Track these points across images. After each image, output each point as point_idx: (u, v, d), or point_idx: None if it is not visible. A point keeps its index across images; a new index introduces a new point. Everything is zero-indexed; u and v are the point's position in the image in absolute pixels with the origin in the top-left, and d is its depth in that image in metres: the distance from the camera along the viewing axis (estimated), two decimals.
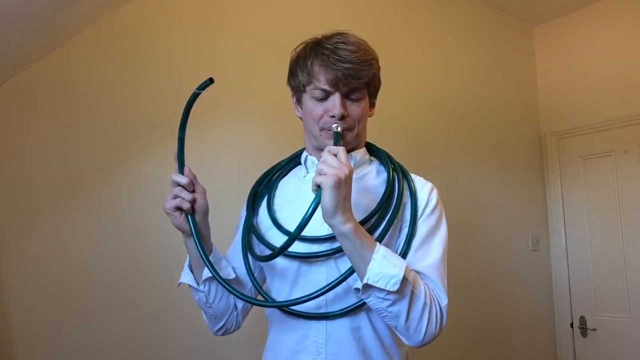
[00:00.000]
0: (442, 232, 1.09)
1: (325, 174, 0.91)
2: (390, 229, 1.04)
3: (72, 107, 1.76)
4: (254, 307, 1.12)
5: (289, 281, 1.09)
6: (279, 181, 1.22)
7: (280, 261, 1.08)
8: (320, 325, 1.05)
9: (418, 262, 1.03)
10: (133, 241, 1.80)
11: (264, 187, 1.22)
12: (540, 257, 3.21)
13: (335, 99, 1.05)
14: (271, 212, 1.15)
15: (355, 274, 0.97)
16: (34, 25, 1.55)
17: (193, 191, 1.06)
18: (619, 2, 3.08)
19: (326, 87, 1.05)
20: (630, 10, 3.03)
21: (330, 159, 0.93)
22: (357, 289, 0.96)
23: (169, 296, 1.78)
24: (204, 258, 1.04)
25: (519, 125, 3.26)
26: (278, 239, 1.07)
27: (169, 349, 1.82)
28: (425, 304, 0.96)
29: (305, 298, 0.99)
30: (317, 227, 1.03)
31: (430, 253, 1.05)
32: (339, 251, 1.02)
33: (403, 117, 2.63)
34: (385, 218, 1.05)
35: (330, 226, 0.94)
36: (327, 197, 0.90)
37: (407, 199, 1.10)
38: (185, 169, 1.06)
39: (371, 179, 1.14)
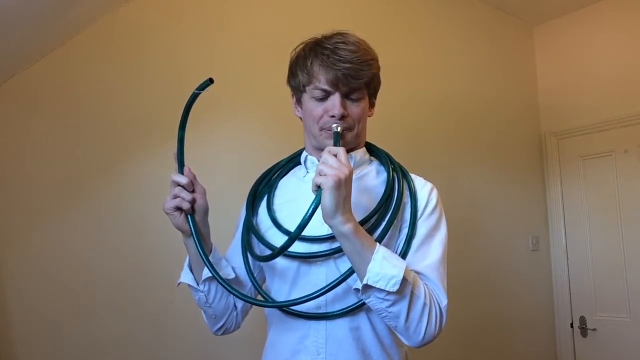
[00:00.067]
0: (442, 233, 1.09)
1: (325, 175, 0.91)
2: (390, 229, 1.04)
3: (72, 107, 1.76)
4: (254, 307, 1.12)
5: (288, 281, 1.09)
6: (279, 181, 1.22)
7: (280, 261, 1.08)
8: (320, 325, 1.05)
9: (418, 263, 1.03)
10: (133, 241, 1.80)
11: (263, 187, 1.22)
12: (540, 257, 3.21)
13: (335, 99, 1.05)
14: (271, 212, 1.15)
15: (355, 274, 0.97)
16: (34, 25, 1.55)
17: (193, 191, 1.06)
18: (619, 2, 3.08)
19: (326, 87, 1.05)
20: (630, 10, 3.03)
21: (330, 159, 0.93)
22: (356, 289, 0.96)
23: (169, 296, 1.78)
24: (204, 258, 1.04)
25: (519, 125, 3.26)
26: (278, 239, 1.07)
27: (169, 349, 1.82)
28: (425, 304, 0.96)
29: (305, 298, 0.99)
30: (317, 227, 1.03)
31: (430, 253, 1.05)
32: (338, 251, 1.02)
33: (403, 117, 2.63)
34: (385, 218, 1.05)
35: (330, 226, 0.94)
36: (327, 197, 0.90)
37: (407, 199, 1.10)
38: (185, 169, 1.06)
39: (371, 179, 1.14)
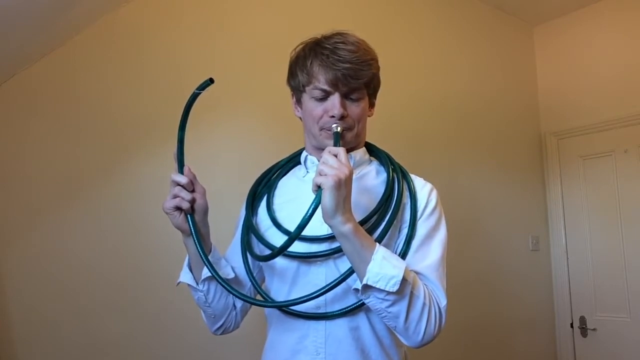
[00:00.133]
0: (442, 233, 1.09)
1: (325, 175, 0.91)
2: (390, 230, 1.04)
3: (72, 107, 1.76)
4: (254, 306, 1.12)
5: (288, 281, 1.09)
6: (279, 181, 1.22)
7: (279, 261, 1.08)
8: (320, 325, 1.05)
9: (417, 263, 1.03)
10: (133, 241, 1.80)
11: (263, 187, 1.22)
12: (540, 257, 3.21)
13: (335, 99, 1.05)
14: (270, 211, 1.15)
15: (354, 274, 0.98)
16: (34, 25, 1.55)
17: (193, 191, 1.06)
18: (619, 2, 3.08)
19: (326, 87, 1.05)
20: (630, 10, 3.03)
21: (330, 159, 0.93)
22: (356, 290, 0.96)
23: (169, 296, 1.78)
24: (203, 258, 1.04)
25: (519, 125, 3.26)
26: (277, 239, 1.07)
27: (169, 349, 1.82)
28: (424, 304, 0.97)
29: (305, 298, 0.99)
30: (317, 226, 1.03)
31: (429, 254, 1.05)
32: (338, 251, 1.02)
33: (403, 117, 2.63)
34: (385, 218, 1.05)
35: (330, 226, 0.94)
36: (327, 197, 0.90)
37: (406, 199, 1.10)
38: (185, 169, 1.06)
39: (371, 179, 1.14)
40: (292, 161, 1.23)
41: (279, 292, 1.11)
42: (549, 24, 3.41)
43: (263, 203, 1.18)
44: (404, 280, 0.92)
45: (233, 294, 1.03)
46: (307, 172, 1.17)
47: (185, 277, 1.13)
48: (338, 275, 1.00)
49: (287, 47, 1.16)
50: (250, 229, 1.15)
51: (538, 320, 3.12)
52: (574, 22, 3.29)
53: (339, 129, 1.05)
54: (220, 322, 1.18)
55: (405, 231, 1.06)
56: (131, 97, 1.86)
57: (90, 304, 1.71)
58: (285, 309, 1.07)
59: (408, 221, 1.07)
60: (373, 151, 1.20)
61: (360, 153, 1.15)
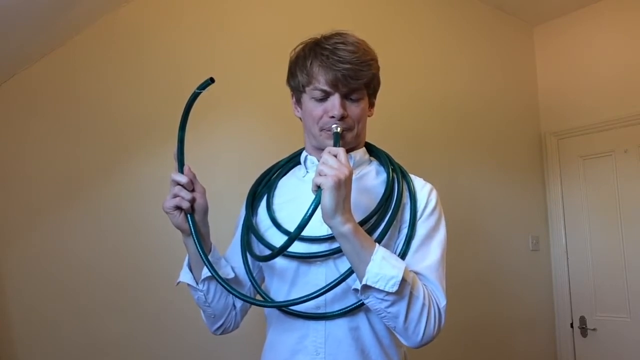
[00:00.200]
0: (441, 234, 1.09)
1: (325, 175, 0.91)
2: (390, 230, 1.04)
3: (72, 107, 1.76)
4: (253, 306, 1.11)
5: (287, 281, 1.09)
6: (278, 181, 1.22)
7: (279, 261, 1.08)
8: (319, 325, 1.05)
9: (417, 263, 1.03)
10: (133, 241, 1.80)
11: (263, 187, 1.22)
12: (540, 257, 3.21)
13: (335, 100, 1.05)
14: (270, 211, 1.15)
15: (354, 274, 0.98)
16: (34, 25, 1.55)
17: (193, 190, 1.06)
18: (619, 2, 3.08)
19: (326, 87, 1.05)
20: (630, 10, 3.03)
21: (330, 159, 0.93)
22: (355, 290, 0.96)
23: (169, 296, 1.78)
24: (203, 257, 1.04)
25: (519, 125, 3.26)
26: (277, 239, 1.07)
27: (169, 349, 1.82)
28: (423, 305, 0.97)
29: (305, 298, 0.99)
30: (317, 227, 1.03)
31: (429, 254, 1.05)
32: (338, 251, 1.02)
33: (403, 117, 2.63)
34: (385, 219, 1.05)
35: (330, 227, 0.94)
36: (327, 198, 0.90)
37: (406, 199, 1.10)
38: (185, 168, 1.06)
39: (370, 179, 1.14)
40: (292, 161, 1.23)
41: (279, 292, 1.11)
42: (549, 24, 3.41)
43: (263, 203, 1.18)
44: (403, 281, 0.92)
45: (233, 294, 1.03)
46: (307, 172, 1.17)
47: (185, 276, 1.13)
48: (338, 276, 1.00)
49: (287, 47, 1.16)
50: (250, 229, 1.15)
51: (538, 320, 3.12)
52: (574, 22, 3.29)
53: (338, 129, 1.05)
54: (220, 322, 1.18)
55: (405, 231, 1.06)
56: (131, 97, 1.86)
57: (90, 304, 1.71)
58: (285, 309, 1.07)
59: (408, 221, 1.07)
60: (373, 151, 1.20)
61: (360, 153, 1.15)
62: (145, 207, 1.81)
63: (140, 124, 1.87)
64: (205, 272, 1.09)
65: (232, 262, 1.18)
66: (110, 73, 1.84)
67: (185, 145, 1.06)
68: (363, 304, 1.00)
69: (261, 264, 1.18)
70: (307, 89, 1.09)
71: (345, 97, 1.07)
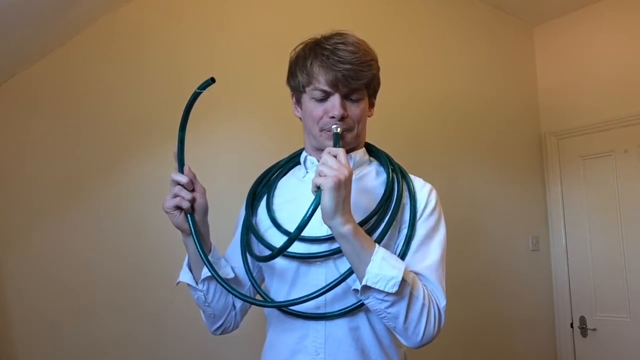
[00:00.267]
0: (441, 234, 1.09)
1: (325, 176, 0.91)
2: (390, 230, 1.04)
3: (72, 107, 1.76)
4: (253, 306, 1.11)
5: (287, 281, 1.09)
6: (278, 181, 1.22)
7: (279, 261, 1.08)
8: (319, 325, 1.05)
9: (417, 264, 1.03)
10: (133, 241, 1.80)
11: (263, 187, 1.22)
12: (540, 257, 3.21)
13: (335, 100, 1.05)
14: (270, 212, 1.15)
15: (354, 275, 0.98)
16: (34, 25, 1.55)
17: (193, 190, 1.06)
18: (619, 2, 3.08)
19: (326, 88, 1.05)
20: (630, 10, 3.03)
21: (330, 160, 0.93)
22: (355, 290, 0.96)
23: (169, 296, 1.78)
24: (203, 257, 1.04)
25: (519, 125, 3.26)
26: (277, 239, 1.07)
27: (169, 349, 1.82)
28: (423, 305, 0.97)
29: (305, 298, 0.99)
30: (317, 227, 1.03)
31: (429, 254, 1.05)
32: (338, 252, 1.02)
33: (403, 117, 2.63)
34: (385, 219, 1.05)
35: (330, 227, 0.94)
36: (327, 198, 0.90)
37: (406, 200, 1.10)
38: (185, 168, 1.06)
39: (370, 180, 1.14)
40: (292, 161, 1.23)
41: (279, 292, 1.11)
42: (549, 24, 3.41)
43: (263, 203, 1.18)
44: (403, 281, 0.93)
45: (233, 294, 1.03)
46: (307, 172, 1.17)
47: (185, 276, 1.13)
48: (338, 276, 1.00)
49: (287, 47, 1.16)
50: (250, 229, 1.15)
51: (538, 320, 3.12)
52: (574, 22, 3.29)
53: (339, 129, 1.05)
54: (219, 322, 1.18)
55: (404, 232, 1.06)
56: (131, 97, 1.86)
57: (90, 304, 1.71)
58: (285, 309, 1.07)
59: (407, 221, 1.07)
60: (373, 152, 1.20)
61: (360, 154, 1.15)
62: (145, 207, 1.81)
63: (140, 124, 1.87)
64: (205, 272, 1.09)
65: (231, 262, 1.18)
66: (110, 73, 1.84)
67: (186, 145, 1.06)
68: (363, 304, 1.00)
69: (261, 264, 1.18)
70: (307, 89, 1.08)
71: (345, 97, 1.07)
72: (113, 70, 1.84)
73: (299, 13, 2.30)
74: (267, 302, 1.11)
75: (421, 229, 1.07)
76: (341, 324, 1.05)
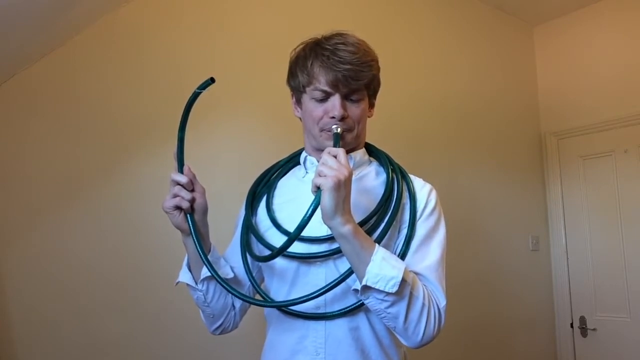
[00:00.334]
0: (441, 234, 1.09)
1: (325, 176, 0.91)
2: (389, 230, 1.04)
3: (72, 107, 1.76)
4: (253, 306, 1.11)
5: (287, 281, 1.09)
6: (278, 181, 1.22)
7: (279, 261, 1.08)
8: (319, 325, 1.05)
9: (417, 264, 1.03)
10: (133, 241, 1.80)
11: (262, 187, 1.22)
12: (540, 257, 3.21)
13: (335, 100, 1.05)
14: (270, 212, 1.15)
15: (354, 275, 0.98)
16: (34, 25, 1.55)
17: (192, 190, 1.06)
18: (619, 2, 3.08)
19: (326, 88, 1.05)
20: (630, 10, 3.03)
21: (330, 160, 0.93)
22: (355, 290, 0.96)
23: (169, 296, 1.78)
24: (203, 257, 1.04)
25: (519, 125, 3.26)
26: (277, 239, 1.07)
27: (169, 349, 1.82)
28: (423, 305, 0.97)
29: (305, 298, 0.99)
30: (316, 227, 1.03)
31: (429, 254, 1.05)
32: (337, 252, 1.02)
33: (403, 117, 2.63)
34: (385, 219, 1.05)
35: (330, 227, 0.94)
36: (327, 198, 0.90)
37: (406, 200, 1.10)
38: (185, 168, 1.06)
39: (370, 180, 1.14)
40: (292, 161, 1.23)
41: (279, 292, 1.11)
42: (549, 24, 3.41)
43: (262, 203, 1.18)
44: (403, 281, 0.93)
45: (232, 294, 1.03)
46: (307, 172, 1.17)
47: (184, 276, 1.13)
48: (338, 276, 1.00)
49: (287, 47, 1.16)
50: (249, 229, 1.15)
51: (538, 320, 3.12)
52: (574, 22, 3.29)
53: (339, 130, 1.05)
54: (219, 322, 1.18)
55: (404, 232, 1.06)
56: (131, 97, 1.86)
57: (90, 304, 1.71)
58: (285, 309, 1.07)
59: (407, 222, 1.07)
60: (372, 152, 1.20)
61: (360, 154, 1.15)
62: (145, 207, 1.81)
63: (140, 124, 1.87)
64: (205, 272, 1.09)
65: (231, 262, 1.18)
66: (110, 73, 1.84)
67: (185, 145, 1.06)
68: (363, 304, 1.00)
69: (261, 264, 1.18)
70: (307, 89, 1.08)
71: (345, 97, 1.07)
72: (113, 70, 1.84)
73: (299, 13, 2.30)
74: (267, 302, 1.11)
75: (421, 229, 1.07)
76: (341, 324, 1.05)
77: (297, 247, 1.03)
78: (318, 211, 0.93)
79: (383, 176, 1.14)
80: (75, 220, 1.72)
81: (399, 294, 0.93)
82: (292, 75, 1.13)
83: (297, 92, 1.13)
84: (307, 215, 0.92)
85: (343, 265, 1.02)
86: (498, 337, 2.88)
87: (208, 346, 1.86)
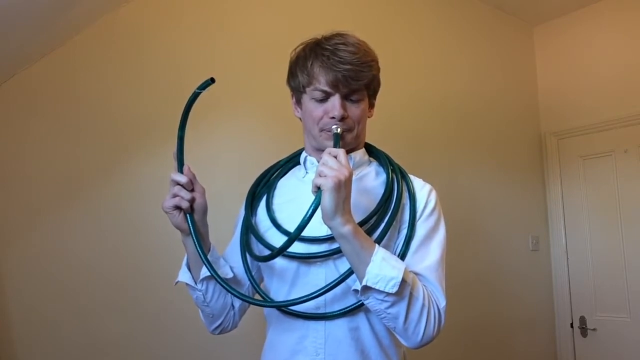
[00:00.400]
0: (441, 234, 1.09)
1: (325, 176, 0.91)
2: (389, 231, 1.04)
3: (72, 107, 1.76)
4: (253, 306, 1.11)
5: (287, 281, 1.09)
6: (278, 181, 1.22)
7: (279, 261, 1.08)
8: (319, 325, 1.05)
9: (417, 264, 1.03)
10: (133, 241, 1.80)
11: (262, 187, 1.22)
12: (540, 257, 3.21)
13: (335, 101, 1.05)
14: (270, 212, 1.15)
15: (354, 275, 0.98)
16: (34, 25, 1.55)
17: (192, 190, 1.06)
18: (619, 2, 3.08)
19: (326, 88, 1.05)
20: (630, 10, 3.03)
21: (330, 160, 0.93)
22: (355, 290, 0.96)
23: (169, 296, 1.78)
24: (203, 257, 1.04)
25: (519, 125, 3.26)
26: (277, 239, 1.07)
27: (169, 349, 1.82)
28: (423, 305, 0.97)
29: (305, 298, 0.99)
30: (316, 227, 1.03)
31: (428, 255, 1.05)
32: (337, 252, 1.02)
33: (403, 117, 2.63)
34: (384, 219, 1.05)
35: (330, 228, 0.94)
36: (327, 199, 0.90)
37: (406, 200, 1.10)
38: (185, 168, 1.06)
39: (370, 180, 1.14)
40: (292, 161, 1.23)
41: (279, 292, 1.11)
42: (549, 24, 3.41)
43: (262, 203, 1.18)
44: (403, 282, 0.93)
45: (232, 294, 1.03)
46: (307, 172, 1.17)
47: (184, 276, 1.13)
48: (337, 276, 1.00)
49: (287, 47, 1.16)
50: (249, 229, 1.15)
51: (538, 320, 3.12)
52: (574, 22, 3.29)
53: (339, 130, 1.05)
54: (218, 322, 1.18)
55: (404, 232, 1.06)
56: (131, 97, 1.86)
57: (90, 304, 1.71)
58: (285, 309, 1.07)
59: (407, 222, 1.07)
60: (372, 152, 1.20)
61: (360, 154, 1.15)
62: (145, 207, 1.81)
63: (140, 124, 1.87)
64: (204, 272, 1.09)
65: (230, 261, 1.18)
66: (110, 73, 1.84)
67: (185, 145, 1.06)
68: (363, 304, 1.00)
69: (260, 264, 1.18)
70: (307, 89, 1.08)
71: (345, 98, 1.07)
72: (113, 70, 1.84)
73: (299, 13, 2.30)
74: (267, 302, 1.11)
75: (421, 230, 1.07)
76: (341, 324, 1.05)
77: (297, 247, 1.03)
78: (318, 211, 0.93)
79: (383, 176, 1.14)
80: (75, 220, 1.72)
81: (398, 294, 0.93)
82: (292, 75, 1.13)
83: (297, 92, 1.13)
84: (308, 215, 0.92)
85: (343, 265, 1.02)
86: (498, 337, 2.88)
87: (208, 346, 1.86)
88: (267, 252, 1.06)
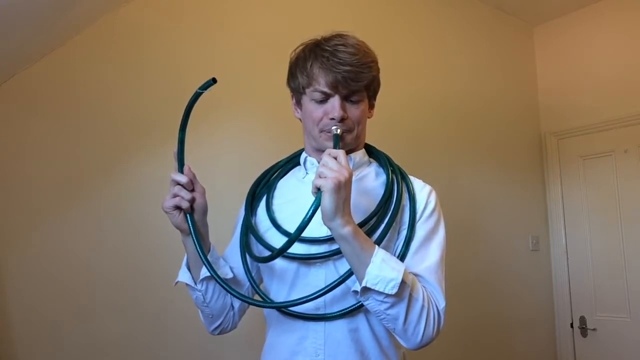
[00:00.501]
0: (441, 235, 1.09)
1: (325, 177, 0.91)
2: (389, 232, 1.04)
3: (72, 107, 1.76)
4: (253, 307, 1.11)
5: (287, 282, 1.09)
6: (278, 181, 1.22)
7: (279, 262, 1.08)
8: (319, 326, 1.05)
9: (416, 265, 1.03)
10: (133, 241, 1.80)
11: (262, 187, 1.22)
12: (540, 257, 3.21)
13: (335, 102, 1.05)
14: (270, 212, 1.15)
15: (353, 276, 0.98)
16: (34, 25, 1.55)
17: (192, 190, 1.06)
18: (619, 2, 3.08)
19: (326, 89, 1.05)
20: (630, 10, 3.03)
21: (330, 162, 0.93)
22: (355, 292, 0.96)
23: (169, 296, 1.78)
24: (203, 257, 1.04)
25: (519, 125, 3.26)
26: (277, 240, 1.07)
27: (169, 349, 1.82)
28: (423, 306, 0.97)
29: (304, 299, 0.99)
30: (316, 228, 1.03)
31: (428, 256, 1.05)
32: (337, 253, 1.02)
33: (403, 117, 2.63)
34: (384, 220, 1.05)
35: (330, 229, 0.94)
36: (327, 200, 0.90)
37: (405, 201, 1.10)
38: (185, 168, 1.06)
39: (370, 181, 1.14)
40: (292, 162, 1.23)
41: (279, 293, 1.11)
42: (549, 24, 3.41)
43: (262, 204, 1.18)
44: (402, 283, 0.93)
45: (232, 294, 1.03)
46: (307, 173, 1.17)
47: (184, 276, 1.13)
48: (337, 277, 1.00)
49: (287, 47, 1.16)
50: (249, 230, 1.15)
51: (538, 320, 3.12)
52: (574, 22, 3.29)
53: (338, 131, 1.05)
54: (217, 322, 1.18)
55: (404, 233, 1.06)
56: (131, 97, 1.86)
57: (90, 304, 1.71)
58: (285, 310, 1.07)
59: (407, 223, 1.07)
60: (372, 152, 1.20)
61: (360, 155, 1.15)
62: (145, 207, 1.81)
63: (140, 124, 1.87)
64: (204, 272, 1.09)
65: (230, 262, 1.18)
66: (110, 73, 1.84)
67: (186, 145, 1.06)
68: (362, 305, 1.00)
69: (260, 264, 1.18)
70: (307, 90, 1.08)
71: (345, 98, 1.07)
72: (113, 70, 1.84)
73: (299, 13, 2.30)
74: (266, 302, 1.11)
75: (420, 231, 1.07)
76: (340, 325, 1.05)
77: (297, 248, 1.03)
78: (318, 212, 0.93)
79: (383, 177, 1.14)
80: (75, 220, 1.72)
81: (398, 295, 0.93)
82: (291, 76, 1.13)
83: (297, 93, 1.13)
84: (308, 216, 0.92)
85: (343, 266, 1.02)
86: (498, 337, 2.88)
87: (208, 346, 1.86)
88: (267, 253, 1.06)
